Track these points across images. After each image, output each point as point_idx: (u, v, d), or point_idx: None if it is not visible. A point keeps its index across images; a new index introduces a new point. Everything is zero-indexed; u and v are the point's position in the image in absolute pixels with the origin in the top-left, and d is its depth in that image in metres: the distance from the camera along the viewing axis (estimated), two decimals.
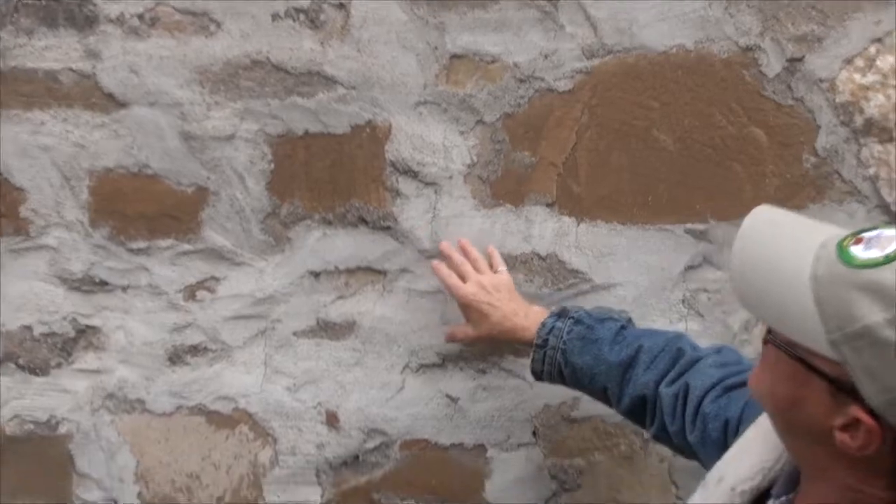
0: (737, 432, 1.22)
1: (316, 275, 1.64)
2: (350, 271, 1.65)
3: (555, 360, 1.49)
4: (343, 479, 1.65)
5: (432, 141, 1.65)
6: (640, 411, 1.43)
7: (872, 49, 1.69)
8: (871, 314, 0.85)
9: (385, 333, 1.65)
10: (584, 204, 1.67)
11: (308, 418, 1.64)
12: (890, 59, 1.68)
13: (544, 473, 1.67)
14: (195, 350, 1.62)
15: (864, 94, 1.69)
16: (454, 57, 1.64)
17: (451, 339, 1.63)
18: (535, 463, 1.67)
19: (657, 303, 1.68)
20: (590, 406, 1.68)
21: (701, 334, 1.69)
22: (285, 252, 1.63)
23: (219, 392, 1.62)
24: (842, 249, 0.90)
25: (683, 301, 1.69)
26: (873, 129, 1.69)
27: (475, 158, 1.65)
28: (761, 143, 1.69)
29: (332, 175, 1.64)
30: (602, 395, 1.48)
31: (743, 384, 1.29)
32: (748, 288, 0.96)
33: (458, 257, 1.61)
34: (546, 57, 1.65)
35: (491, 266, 1.61)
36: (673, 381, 1.38)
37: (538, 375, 1.54)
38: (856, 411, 0.87)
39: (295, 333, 1.64)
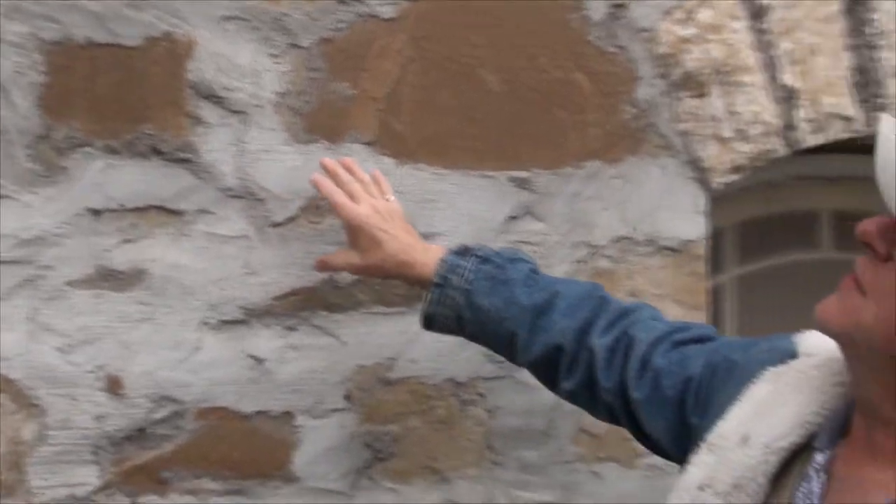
0: (699, 391, 1.21)
1: (96, 213, 1.45)
2: (139, 210, 1.47)
3: (455, 301, 1.41)
4: (126, 456, 1.46)
5: (240, 63, 1.51)
6: (553, 362, 1.37)
7: (690, 2, 1.78)
8: None
9: (179, 284, 1.49)
10: (407, 145, 1.61)
11: (84, 385, 1.44)
12: (708, 12, 1.78)
13: (358, 441, 1.59)
14: None
15: (684, 47, 1.77)
16: None
17: (323, 267, 1.51)
18: (349, 430, 1.58)
19: None
20: (408, 366, 1.63)
21: None
22: (59, 184, 1.42)
23: None
24: None
25: None
26: (689, 83, 1.78)
27: (288, 86, 1.54)
28: (585, 90, 1.72)
29: (119, 95, 1.45)
30: (507, 344, 1.41)
31: (693, 341, 1.29)
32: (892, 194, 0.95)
33: (345, 175, 1.49)
34: None
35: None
36: (606, 332, 1.33)
37: (429, 321, 1.45)
38: None
39: (69, 283, 1.43)
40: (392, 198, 1.53)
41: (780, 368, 1.11)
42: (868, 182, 2.19)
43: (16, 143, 1.40)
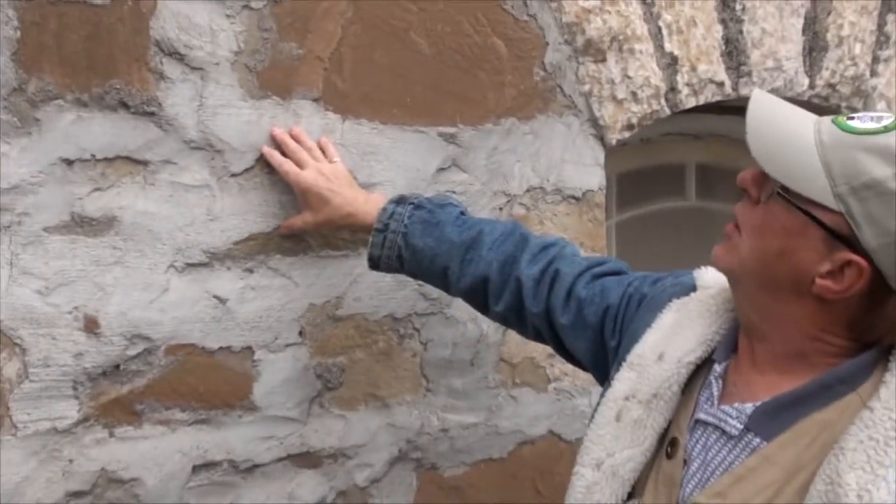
0: (616, 318, 1.43)
1: (69, 163, 1.53)
2: (108, 160, 1.56)
3: (395, 243, 1.62)
4: (102, 390, 1.56)
5: (199, 22, 1.62)
6: (481, 290, 1.59)
7: None
8: (878, 169, 1.09)
9: (148, 230, 1.59)
10: (349, 101, 1.76)
11: (63, 325, 1.52)
12: None
13: (310, 373, 1.75)
14: None
15: (586, 17, 1.99)
16: None
17: (289, 229, 1.69)
18: (302, 363, 1.74)
19: None
20: (352, 304, 1.79)
21: None
22: (33, 135, 1.49)
23: None
24: (840, 123, 1.14)
25: None
26: (591, 49, 2.00)
27: (242, 45, 1.66)
28: (501, 54, 1.92)
29: (88, 50, 1.53)
30: (440, 276, 1.62)
31: (609, 273, 1.51)
32: (763, 151, 1.16)
33: (293, 144, 1.67)
34: None
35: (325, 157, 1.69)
36: (532, 264, 1.54)
37: (375, 261, 1.66)
38: (847, 255, 1.11)
39: (46, 229, 1.50)
40: (337, 160, 1.71)
41: (684, 299, 1.35)
42: (727, 139, 2.50)
43: None
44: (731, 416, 1.20)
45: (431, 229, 1.63)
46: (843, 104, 2.35)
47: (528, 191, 1.96)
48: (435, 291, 1.84)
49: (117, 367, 1.58)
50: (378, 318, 1.81)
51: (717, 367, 1.27)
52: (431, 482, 1.89)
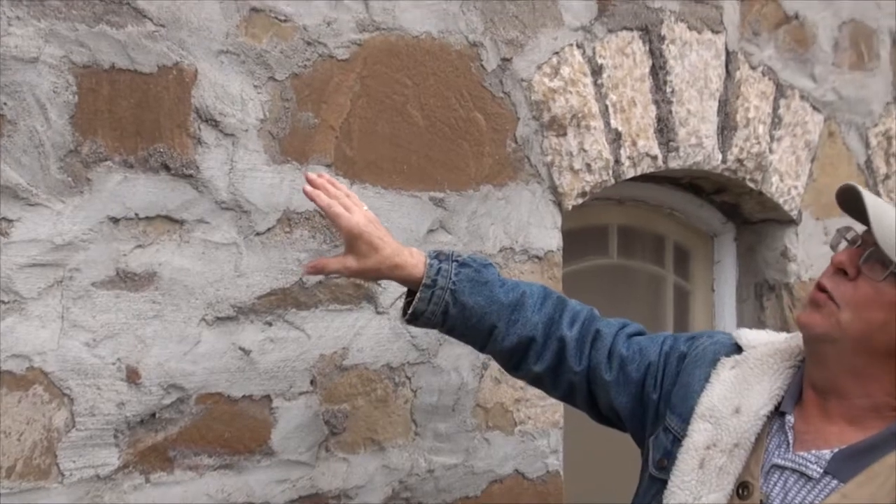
0: (656, 374, 1.58)
1: (115, 221, 1.59)
2: (149, 219, 1.63)
3: (443, 299, 1.60)
4: (139, 437, 1.61)
5: (232, 91, 1.72)
6: (523, 350, 1.64)
7: (555, 59, 2.21)
8: None
9: (183, 285, 1.66)
10: (356, 167, 1.89)
11: (107, 375, 1.57)
12: (567, 69, 2.23)
13: (319, 419, 1.84)
14: None
15: (552, 96, 2.20)
16: (253, 10, 1.74)
17: (317, 270, 1.65)
18: (313, 410, 1.83)
19: None
20: (356, 354, 1.91)
21: None
22: (84, 194, 1.55)
23: (12, 349, 1.47)
24: None
25: None
26: (554, 124, 2.21)
27: (267, 114, 1.77)
28: (482, 126, 2.10)
29: (136, 115, 1.61)
30: (484, 335, 1.64)
31: (637, 333, 1.65)
32: (885, 241, 1.36)
33: (333, 189, 1.63)
34: (328, 24, 1.85)
35: None
36: (572, 326, 1.63)
37: (416, 315, 1.63)
38: None
39: (94, 284, 1.56)
40: (366, 207, 1.67)
41: (737, 357, 1.52)
42: (644, 204, 2.74)
43: (50, 156, 1.52)
44: (810, 462, 1.38)
45: (480, 288, 1.65)
46: (748, 177, 2.65)
47: (500, 251, 2.13)
48: (424, 342, 1.98)
49: (153, 415, 1.64)
50: (377, 368, 1.93)
51: (789, 418, 1.44)
52: None
